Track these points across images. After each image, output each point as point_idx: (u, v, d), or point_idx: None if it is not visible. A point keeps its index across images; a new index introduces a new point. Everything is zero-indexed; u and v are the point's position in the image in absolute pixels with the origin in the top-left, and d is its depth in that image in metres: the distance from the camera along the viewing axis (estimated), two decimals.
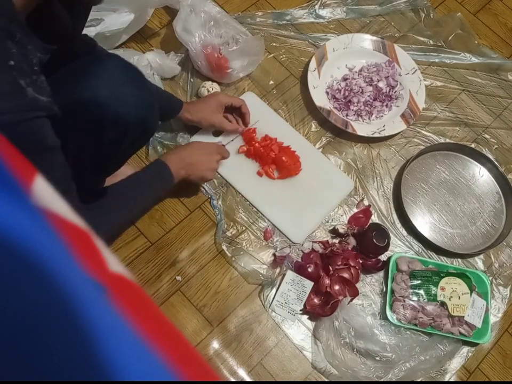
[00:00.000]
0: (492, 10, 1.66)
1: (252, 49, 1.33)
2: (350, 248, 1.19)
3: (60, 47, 0.73)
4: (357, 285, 1.16)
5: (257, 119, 1.30)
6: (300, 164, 1.27)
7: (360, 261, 1.18)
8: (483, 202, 1.34)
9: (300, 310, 1.14)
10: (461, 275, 1.18)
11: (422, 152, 1.35)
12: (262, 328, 1.13)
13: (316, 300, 1.14)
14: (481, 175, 1.37)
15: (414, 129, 1.40)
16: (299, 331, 1.14)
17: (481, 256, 1.28)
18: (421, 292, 1.17)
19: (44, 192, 0.25)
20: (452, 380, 1.15)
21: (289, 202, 1.24)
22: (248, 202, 1.24)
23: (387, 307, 1.15)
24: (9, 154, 0.25)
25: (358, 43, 1.46)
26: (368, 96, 1.38)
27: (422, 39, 1.53)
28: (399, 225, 1.28)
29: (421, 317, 1.14)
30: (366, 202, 1.28)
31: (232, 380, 1.09)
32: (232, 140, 1.28)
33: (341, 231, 1.22)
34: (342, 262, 1.16)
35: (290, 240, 1.21)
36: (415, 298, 1.16)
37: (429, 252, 1.26)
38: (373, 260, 1.20)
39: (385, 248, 1.18)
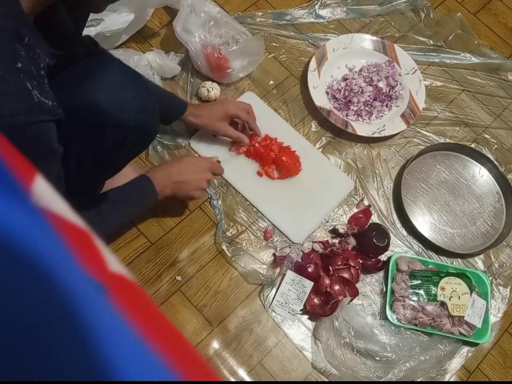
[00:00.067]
0: (492, 10, 1.66)
1: (252, 49, 1.33)
2: (350, 248, 1.19)
3: (63, 50, 0.73)
4: (357, 285, 1.16)
5: (257, 119, 1.30)
6: (299, 164, 1.27)
7: (360, 261, 1.18)
8: (483, 202, 1.34)
9: (300, 310, 1.14)
10: (461, 275, 1.18)
11: (422, 152, 1.35)
12: (262, 328, 1.13)
13: (316, 300, 1.14)
14: (481, 175, 1.37)
15: (414, 129, 1.40)
16: (299, 331, 1.14)
17: (481, 256, 1.28)
18: (421, 291, 1.17)
19: (44, 192, 0.25)
20: (452, 380, 1.15)
21: (289, 202, 1.24)
22: (248, 202, 1.24)
23: (387, 307, 1.15)
24: (9, 154, 0.25)
25: (358, 43, 1.46)
26: (368, 96, 1.38)
27: (422, 39, 1.53)
28: (399, 225, 1.28)
29: (421, 317, 1.14)
30: (366, 202, 1.29)
31: (232, 379, 1.09)
32: (230, 156, 1.25)
33: (341, 231, 1.22)
34: (342, 262, 1.16)
35: (290, 240, 1.21)
36: (415, 298, 1.16)
37: (429, 251, 1.26)
38: (373, 259, 1.20)
39: (385, 248, 1.18)
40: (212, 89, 1.31)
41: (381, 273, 1.21)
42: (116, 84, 0.78)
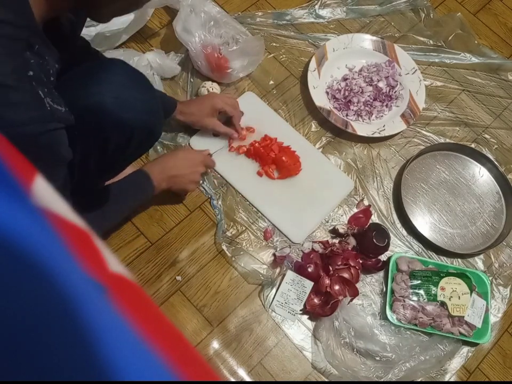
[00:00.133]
0: (492, 10, 1.66)
1: (252, 49, 1.33)
2: (350, 248, 1.19)
3: (65, 53, 0.73)
4: (357, 285, 1.16)
5: (257, 119, 1.30)
6: (299, 164, 1.27)
7: (360, 261, 1.18)
8: (483, 202, 1.34)
9: (300, 310, 1.14)
10: (461, 275, 1.18)
11: (422, 152, 1.35)
12: (262, 328, 1.13)
13: (316, 300, 1.14)
14: (481, 175, 1.37)
15: (414, 129, 1.40)
16: (299, 331, 1.14)
17: (481, 256, 1.28)
18: (421, 292, 1.17)
19: (44, 192, 0.25)
20: (452, 380, 1.15)
21: (289, 202, 1.24)
22: (248, 202, 1.24)
23: (387, 307, 1.15)
24: (9, 154, 0.25)
25: (358, 43, 1.46)
26: (368, 96, 1.38)
27: (422, 39, 1.53)
28: (399, 225, 1.28)
29: (421, 317, 1.14)
30: (366, 202, 1.29)
31: (232, 380, 1.09)
32: (221, 149, 1.26)
33: (341, 231, 1.22)
34: (342, 262, 1.16)
35: (290, 240, 1.21)
36: (415, 298, 1.16)
37: (429, 252, 1.26)
38: (373, 259, 1.20)
39: (385, 248, 1.18)
40: (211, 89, 1.31)
41: (381, 273, 1.21)
42: (119, 85, 0.78)
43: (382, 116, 1.39)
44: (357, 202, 1.28)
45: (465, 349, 1.17)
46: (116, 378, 0.20)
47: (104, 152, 0.82)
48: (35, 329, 0.19)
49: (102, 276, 0.24)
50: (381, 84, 1.39)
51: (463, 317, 1.14)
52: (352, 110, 1.37)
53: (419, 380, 1.12)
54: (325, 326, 1.09)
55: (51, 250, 0.22)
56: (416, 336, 1.15)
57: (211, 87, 1.31)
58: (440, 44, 1.52)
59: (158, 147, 1.26)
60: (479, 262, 1.27)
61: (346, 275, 1.15)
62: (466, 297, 1.16)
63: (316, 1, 1.52)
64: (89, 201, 0.94)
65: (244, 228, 1.21)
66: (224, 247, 1.18)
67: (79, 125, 0.71)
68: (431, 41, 1.52)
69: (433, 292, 1.16)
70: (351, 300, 1.13)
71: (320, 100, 1.35)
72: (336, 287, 1.13)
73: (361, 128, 1.34)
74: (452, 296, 1.16)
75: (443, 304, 1.16)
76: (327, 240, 1.21)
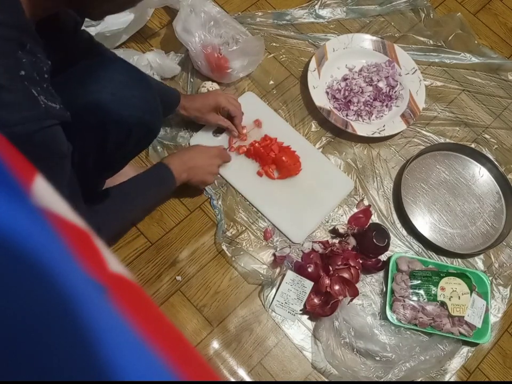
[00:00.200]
0: (492, 10, 1.66)
1: (252, 49, 1.33)
2: (350, 248, 1.19)
3: (64, 49, 0.73)
4: (357, 285, 1.16)
5: (257, 119, 1.30)
6: (299, 164, 1.27)
7: (360, 261, 1.18)
8: (483, 202, 1.34)
9: (300, 310, 1.14)
10: (461, 275, 1.18)
11: (422, 152, 1.35)
12: (262, 328, 1.13)
13: (316, 300, 1.14)
14: (481, 175, 1.37)
15: (414, 129, 1.40)
16: (299, 331, 1.14)
17: (481, 256, 1.28)
18: (421, 291, 1.17)
19: (44, 192, 0.25)
20: (452, 380, 1.15)
21: (289, 202, 1.24)
22: (248, 202, 1.24)
23: (387, 307, 1.15)
24: (9, 154, 0.25)
25: (358, 43, 1.46)
26: (368, 96, 1.38)
27: (422, 39, 1.53)
28: (399, 225, 1.28)
29: (421, 317, 1.14)
30: (366, 202, 1.29)
31: (232, 380, 1.09)
32: (235, 143, 1.28)
33: (341, 231, 1.22)
34: (342, 262, 1.16)
35: (290, 240, 1.21)
36: (415, 298, 1.16)
37: (429, 252, 1.26)
38: (373, 259, 1.20)
39: (385, 248, 1.18)
40: (211, 89, 1.31)
41: (381, 273, 1.21)
42: (118, 83, 0.78)
43: (382, 116, 1.39)
44: (357, 202, 1.28)
45: (465, 349, 1.17)
46: (116, 378, 0.20)
47: (103, 150, 0.82)
48: (35, 330, 0.19)
49: (102, 276, 0.24)
50: (381, 84, 1.39)
51: (463, 317, 1.14)
52: (352, 110, 1.37)
53: (419, 380, 1.12)
54: (325, 326, 1.09)
55: (51, 250, 0.22)
56: (416, 336, 1.15)
57: (211, 87, 1.31)
58: (440, 44, 1.52)
59: (158, 147, 1.26)
60: (479, 262, 1.27)
61: (346, 275, 1.15)
62: (466, 297, 1.16)
63: (316, 1, 1.52)
64: (116, 194, 0.96)
65: (244, 228, 1.21)
66: (224, 247, 1.18)
67: (77, 123, 0.71)
68: (431, 41, 1.52)
69: (433, 292, 1.16)
70: (351, 300, 1.13)
71: (320, 100, 1.35)
72: (336, 287, 1.13)
73: (361, 128, 1.34)
74: (452, 296, 1.16)
75: (443, 304, 1.16)
76: (327, 240, 1.21)
